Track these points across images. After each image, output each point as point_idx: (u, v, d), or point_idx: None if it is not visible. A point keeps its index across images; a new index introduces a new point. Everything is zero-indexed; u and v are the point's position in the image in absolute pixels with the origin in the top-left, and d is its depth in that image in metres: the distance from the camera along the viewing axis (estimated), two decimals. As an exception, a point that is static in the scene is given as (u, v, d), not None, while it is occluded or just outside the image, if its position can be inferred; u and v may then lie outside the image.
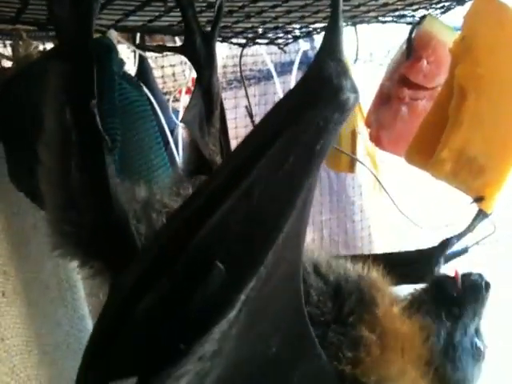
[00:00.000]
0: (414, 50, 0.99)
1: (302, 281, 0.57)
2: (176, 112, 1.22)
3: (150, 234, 0.64)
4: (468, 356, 0.68)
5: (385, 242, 2.55)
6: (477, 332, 0.70)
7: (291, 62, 1.61)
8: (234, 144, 0.89)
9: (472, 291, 0.70)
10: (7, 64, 0.92)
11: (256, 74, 1.98)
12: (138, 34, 1.09)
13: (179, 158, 0.95)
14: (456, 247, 0.95)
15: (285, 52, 1.26)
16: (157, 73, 1.59)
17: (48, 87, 0.61)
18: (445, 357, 0.67)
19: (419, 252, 0.88)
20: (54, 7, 0.59)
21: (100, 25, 0.88)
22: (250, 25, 0.98)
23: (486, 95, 0.81)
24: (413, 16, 1.02)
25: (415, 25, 0.99)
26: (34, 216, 0.93)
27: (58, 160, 0.61)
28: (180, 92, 1.38)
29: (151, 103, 0.98)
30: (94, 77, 0.59)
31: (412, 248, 0.92)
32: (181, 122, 0.90)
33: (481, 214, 0.85)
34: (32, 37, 0.92)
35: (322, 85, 0.50)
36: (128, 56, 1.14)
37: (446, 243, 0.86)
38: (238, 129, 1.60)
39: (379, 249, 2.54)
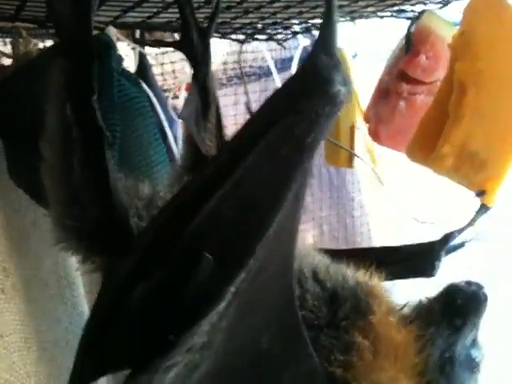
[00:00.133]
0: (412, 44, 0.99)
1: (294, 276, 0.57)
2: (175, 109, 1.22)
3: None
4: (463, 369, 0.67)
5: (384, 238, 2.56)
6: (474, 343, 0.69)
7: (291, 58, 1.61)
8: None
9: (473, 303, 0.69)
10: (7, 62, 0.92)
11: (256, 71, 1.98)
12: (138, 31, 1.09)
13: (178, 154, 0.95)
14: (453, 241, 0.96)
15: (284, 48, 1.26)
16: (156, 70, 1.59)
17: (49, 84, 0.62)
18: (439, 369, 0.66)
19: (420, 246, 0.87)
20: (53, 4, 0.60)
21: (99, 21, 0.88)
22: (248, 20, 0.98)
23: (486, 90, 0.81)
24: (411, 11, 1.02)
25: (414, 20, 0.99)
26: (33, 213, 0.93)
27: (60, 156, 0.62)
28: (179, 89, 1.38)
29: (150, 100, 0.98)
30: (95, 73, 0.59)
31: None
32: (179, 117, 0.90)
33: (483, 208, 0.85)
34: (32, 34, 0.92)
35: (313, 78, 0.51)
36: (127, 53, 1.14)
37: (447, 237, 0.85)
38: (238, 125, 1.60)
39: (379, 244, 2.55)
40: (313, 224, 2.51)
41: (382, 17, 1.04)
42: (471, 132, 0.82)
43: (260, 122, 0.52)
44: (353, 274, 0.70)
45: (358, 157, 1.24)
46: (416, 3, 1.00)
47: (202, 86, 0.83)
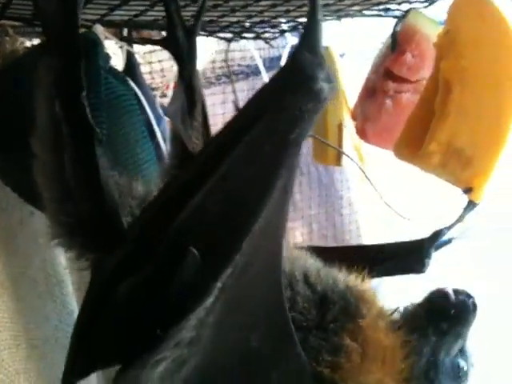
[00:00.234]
0: (398, 43, 1.00)
1: (282, 274, 0.57)
2: (163, 107, 1.22)
3: None
4: (448, 377, 0.68)
5: (373, 236, 2.57)
6: (461, 352, 0.70)
7: (280, 57, 1.62)
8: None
9: (461, 312, 0.69)
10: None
11: (244, 69, 1.99)
12: (126, 30, 1.09)
13: (166, 152, 0.95)
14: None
15: (272, 46, 1.27)
16: (145, 68, 1.59)
17: (37, 82, 0.62)
18: (424, 376, 0.67)
19: (410, 243, 0.88)
20: (39, 1, 0.60)
21: (85, 20, 0.88)
22: (235, 19, 0.99)
23: (471, 88, 0.82)
24: (397, 10, 1.03)
25: (400, 18, 1.00)
26: (20, 211, 0.93)
27: (51, 153, 0.62)
28: (168, 87, 1.38)
29: (138, 98, 0.98)
30: (83, 70, 0.60)
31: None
32: (165, 115, 0.90)
33: (470, 205, 0.86)
34: (18, 33, 0.92)
35: (297, 75, 0.52)
36: (115, 52, 1.14)
37: (436, 234, 0.87)
38: (226, 124, 1.61)
39: (368, 242, 2.57)
40: (302, 222, 2.52)
41: (367, 15, 1.05)
42: (457, 129, 0.83)
43: (245, 118, 0.53)
44: (344, 278, 0.72)
45: (345, 155, 1.25)
46: (402, 2, 1.01)
47: (188, 84, 0.84)
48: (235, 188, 0.51)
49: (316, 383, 0.61)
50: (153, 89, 1.51)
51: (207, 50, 1.80)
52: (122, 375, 0.49)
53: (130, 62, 1.15)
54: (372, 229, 2.54)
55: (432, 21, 1.00)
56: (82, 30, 0.82)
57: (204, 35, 1.11)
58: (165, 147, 0.97)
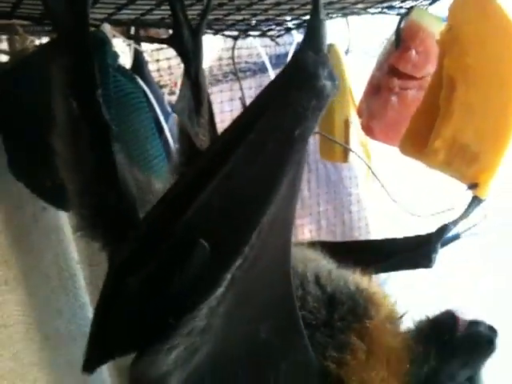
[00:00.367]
0: (402, 40, 1.01)
1: (291, 268, 0.59)
2: (171, 104, 1.24)
3: None
4: None
5: (382, 233, 2.57)
6: (470, 381, 0.69)
7: (286, 54, 1.62)
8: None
9: (471, 342, 0.69)
10: (4, 58, 0.94)
11: (251, 67, 2.00)
12: (133, 28, 1.11)
13: (174, 149, 0.97)
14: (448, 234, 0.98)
15: (277, 44, 1.28)
16: (152, 66, 1.61)
17: (52, 81, 0.64)
18: None
19: (417, 238, 0.90)
20: (49, 1, 0.62)
21: (93, 19, 0.90)
22: (241, 17, 1.00)
23: (475, 84, 0.82)
24: (401, 7, 1.04)
25: (403, 16, 1.01)
26: (33, 206, 0.96)
27: (71, 150, 0.64)
28: (175, 85, 1.40)
29: (146, 95, 1.00)
30: (95, 67, 0.62)
31: (409, 237, 0.94)
32: (173, 112, 0.92)
33: (476, 200, 0.86)
34: (28, 31, 0.94)
35: (300, 73, 0.53)
36: (123, 50, 1.16)
37: (442, 229, 0.88)
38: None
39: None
40: (310, 219, 2.53)
41: (371, 13, 1.06)
42: (462, 126, 0.84)
43: (250, 115, 0.54)
44: (355, 280, 0.73)
45: (352, 151, 1.26)
46: (405, -1, 1.02)
47: (194, 82, 0.85)
48: (243, 183, 0.52)
49: (322, 377, 0.63)
50: (161, 86, 1.53)
51: (214, 47, 1.82)
52: (137, 362, 0.51)
53: (138, 60, 1.16)
54: (381, 225, 2.54)
55: (436, 17, 1.00)
56: (91, 29, 0.84)
57: (210, 33, 1.12)
58: (173, 144, 0.98)
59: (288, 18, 1.08)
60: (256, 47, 1.60)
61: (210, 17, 0.97)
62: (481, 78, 0.82)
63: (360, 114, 1.14)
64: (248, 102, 1.40)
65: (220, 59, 1.93)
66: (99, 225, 0.66)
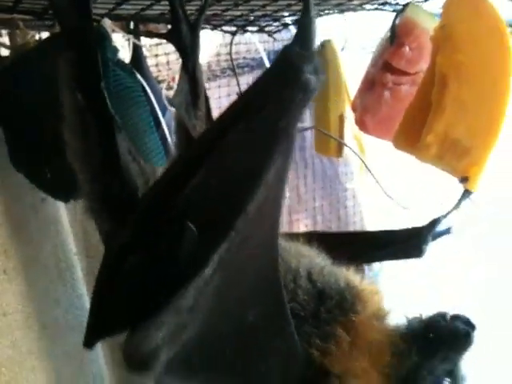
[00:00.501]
0: (397, 36, 1.02)
1: (279, 254, 0.62)
2: (169, 99, 1.25)
3: None
4: None
5: (377, 227, 2.59)
6: (450, 374, 0.72)
7: (284, 50, 1.63)
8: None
9: (449, 336, 0.71)
10: (4, 52, 0.96)
11: (249, 62, 2.01)
12: (132, 23, 1.12)
13: (171, 142, 0.99)
14: (441, 227, 1.00)
15: (275, 39, 1.29)
16: (151, 61, 1.62)
17: (59, 74, 0.66)
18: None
19: (409, 230, 0.93)
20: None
21: (94, 14, 0.91)
22: (239, 13, 1.02)
23: (467, 80, 0.84)
24: (397, 4, 1.05)
25: (398, 12, 1.03)
26: (33, 198, 0.97)
27: (78, 140, 0.67)
28: (173, 80, 1.41)
29: (145, 89, 1.01)
30: (99, 61, 0.64)
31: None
32: (171, 106, 0.94)
33: (466, 193, 0.89)
34: (29, 26, 0.95)
35: (285, 67, 0.56)
36: (122, 45, 1.17)
37: (433, 222, 0.91)
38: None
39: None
40: (306, 214, 2.56)
41: (367, 9, 1.07)
42: (453, 121, 0.86)
43: (239, 106, 0.57)
44: (346, 278, 0.77)
45: (347, 146, 1.27)
46: (401, -4, 1.03)
47: (192, 76, 0.88)
48: (231, 170, 0.55)
49: (306, 363, 0.67)
50: (159, 81, 1.54)
51: (212, 43, 1.83)
52: (130, 336, 0.53)
53: (137, 55, 1.18)
54: (376, 220, 2.56)
55: (430, 14, 1.02)
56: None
57: (208, 28, 1.14)
58: (170, 137, 1.00)
59: (285, 13, 1.10)
60: (254, 43, 1.61)
61: (209, 12, 0.98)
62: (472, 75, 0.84)
63: (354, 108, 1.15)
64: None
65: (218, 55, 1.94)
66: (105, 209, 0.69)
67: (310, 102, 0.56)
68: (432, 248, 0.94)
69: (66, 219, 1.10)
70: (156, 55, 1.67)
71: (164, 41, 1.33)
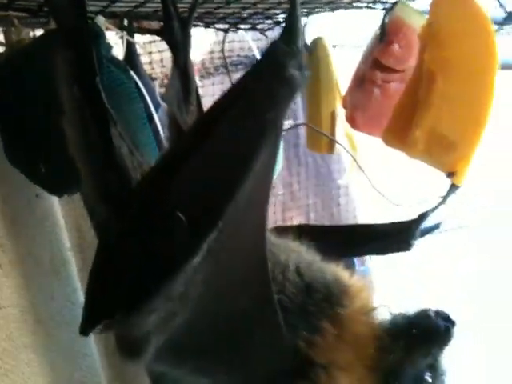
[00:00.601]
0: (386, 34, 1.04)
1: (267, 246, 0.64)
2: (162, 95, 1.26)
3: None
4: None
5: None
6: (431, 368, 0.74)
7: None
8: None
9: (429, 331, 0.73)
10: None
11: (243, 60, 2.03)
12: (126, 21, 1.13)
13: (164, 137, 1.00)
14: (430, 223, 1.02)
15: (267, 37, 1.31)
16: (145, 59, 1.63)
17: (54, 70, 0.68)
18: (386, 378, 0.72)
19: (397, 224, 0.95)
20: None
21: (88, 11, 0.92)
22: (231, 10, 1.03)
23: (453, 77, 0.86)
24: (386, 2, 1.07)
25: (388, 10, 1.04)
26: (28, 192, 0.98)
27: (77, 132, 0.68)
28: (167, 77, 1.42)
29: (138, 86, 1.03)
30: (94, 56, 0.65)
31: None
32: (161, 99, 0.96)
33: (453, 188, 0.91)
34: (23, 23, 0.96)
35: (270, 63, 0.59)
36: (116, 42, 1.18)
37: (421, 216, 0.93)
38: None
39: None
40: (299, 211, 2.58)
41: (357, 7, 1.09)
42: (440, 117, 0.87)
43: (228, 99, 0.59)
44: (334, 273, 0.79)
45: (337, 143, 1.29)
46: (390, -6, 1.05)
47: (183, 71, 0.89)
48: (219, 160, 0.57)
49: (292, 353, 0.69)
50: (153, 78, 1.56)
51: (206, 41, 1.84)
52: (122, 324, 0.55)
53: (131, 52, 1.19)
54: (369, 217, 2.58)
55: (419, 12, 1.04)
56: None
57: (201, 26, 1.15)
58: (163, 132, 1.02)
59: (277, 11, 1.11)
60: (247, 41, 1.63)
61: (201, 10, 1.00)
62: (459, 72, 0.86)
63: (345, 105, 1.17)
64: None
65: (212, 52, 1.96)
66: (100, 201, 0.69)
67: (296, 97, 0.58)
68: (422, 242, 0.96)
69: (61, 215, 1.11)
70: (150, 53, 1.69)
71: (158, 38, 1.35)
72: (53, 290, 1.07)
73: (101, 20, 0.92)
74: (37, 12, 0.90)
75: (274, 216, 2.41)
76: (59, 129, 0.71)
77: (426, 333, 0.73)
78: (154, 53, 1.70)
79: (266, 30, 1.25)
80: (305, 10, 1.20)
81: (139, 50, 1.36)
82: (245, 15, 1.10)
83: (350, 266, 1.04)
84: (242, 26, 1.22)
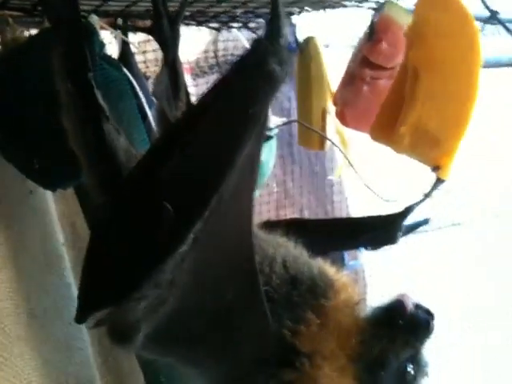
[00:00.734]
0: (375, 33, 1.06)
1: (253, 237, 0.67)
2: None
3: None
4: (392, 376, 0.75)
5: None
6: (413, 359, 0.75)
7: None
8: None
9: (410, 325, 0.75)
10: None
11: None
12: (120, 20, 1.15)
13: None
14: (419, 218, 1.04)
15: (258, 35, 1.32)
16: (139, 58, 1.64)
17: (49, 67, 0.70)
18: (368, 367, 0.74)
19: (384, 217, 0.96)
20: None
21: (82, 10, 0.94)
22: (222, 9, 1.05)
23: (437, 75, 0.88)
24: (375, 1, 1.09)
25: (377, 9, 1.06)
26: (22, 187, 1.00)
27: (76, 126, 0.71)
28: (161, 75, 1.43)
29: (131, 84, 1.04)
30: (87, 52, 0.68)
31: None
32: (151, 95, 0.98)
33: (438, 182, 0.93)
34: (18, 22, 0.98)
35: (252, 58, 0.61)
36: (110, 41, 1.20)
37: (407, 210, 0.95)
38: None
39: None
40: (293, 209, 2.59)
41: (347, 6, 1.11)
42: (425, 113, 0.89)
43: (212, 94, 0.62)
44: (320, 268, 0.81)
45: (328, 139, 1.31)
46: (379, -6, 1.07)
47: (172, 68, 0.91)
48: (205, 152, 0.59)
49: (277, 342, 0.71)
50: (147, 77, 1.57)
51: (200, 40, 1.86)
52: (112, 311, 0.57)
53: (124, 51, 1.21)
54: (362, 215, 2.60)
55: (406, 11, 1.06)
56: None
57: (194, 25, 1.17)
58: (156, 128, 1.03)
59: (267, 10, 1.13)
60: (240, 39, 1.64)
61: (193, 9, 1.01)
62: (442, 70, 0.88)
63: (335, 102, 1.19)
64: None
65: (206, 52, 1.97)
66: (95, 191, 0.73)
67: (277, 92, 0.60)
68: (415, 239, 0.98)
69: (54, 211, 1.12)
70: (144, 52, 1.70)
71: (152, 38, 1.36)
72: (47, 285, 1.08)
73: (94, 19, 0.93)
74: (31, 11, 0.92)
75: (269, 214, 2.43)
76: (53, 124, 0.73)
77: (404, 324, 0.75)
78: (148, 52, 1.71)
79: (258, 28, 1.27)
80: (296, 9, 1.22)
81: (134, 49, 1.37)
82: (236, 14, 1.12)
83: (340, 261, 1.06)
84: (233, 25, 1.23)
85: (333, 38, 1.43)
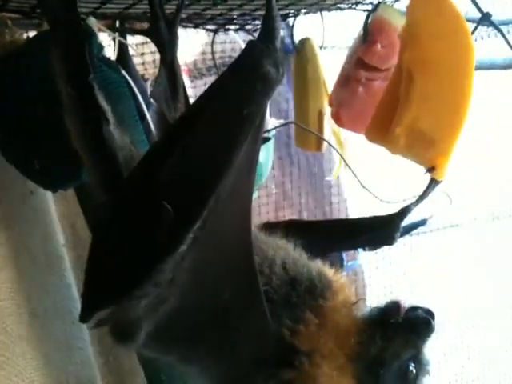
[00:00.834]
0: (369, 34, 1.07)
1: (252, 236, 0.68)
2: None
3: None
4: (394, 376, 0.76)
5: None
6: (414, 359, 0.76)
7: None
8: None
9: (411, 324, 0.76)
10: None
11: (235, 61, 2.05)
12: (118, 22, 1.16)
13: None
14: (416, 218, 1.05)
15: (254, 37, 1.33)
16: (137, 60, 1.65)
17: (50, 68, 0.71)
18: (368, 367, 0.75)
19: (381, 218, 0.97)
20: None
21: (80, 12, 0.95)
22: (218, 12, 1.06)
23: (431, 76, 0.89)
24: (369, 3, 1.10)
25: (371, 11, 1.08)
26: (23, 188, 1.01)
27: (77, 127, 0.72)
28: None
29: (130, 85, 1.06)
30: (87, 55, 0.69)
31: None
32: (150, 97, 0.99)
33: (433, 183, 0.94)
34: (16, 24, 0.99)
35: (247, 60, 0.62)
36: (109, 43, 1.21)
37: (404, 210, 0.95)
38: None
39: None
40: (292, 210, 2.60)
41: (341, 9, 1.12)
42: (419, 114, 0.90)
43: (208, 96, 0.63)
44: (319, 269, 0.82)
45: (325, 140, 1.32)
46: (373, -4, 1.08)
47: (170, 70, 0.93)
48: (202, 154, 0.60)
49: (276, 341, 0.72)
50: (145, 79, 1.58)
51: (198, 42, 1.87)
52: (114, 310, 0.58)
53: (123, 53, 1.22)
54: (361, 216, 2.60)
55: (400, 13, 1.07)
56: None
57: (191, 27, 1.18)
58: (154, 130, 1.04)
59: (263, 12, 1.14)
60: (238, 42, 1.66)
61: (189, 11, 1.03)
62: (436, 71, 0.89)
63: (331, 103, 1.20)
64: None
65: (204, 53, 1.98)
66: (98, 191, 0.74)
67: (272, 94, 0.62)
68: (414, 240, 0.99)
69: (55, 212, 1.13)
70: (142, 54, 1.71)
71: (140, 36, 1.37)
72: (47, 285, 1.10)
73: (92, 21, 0.95)
74: (30, 13, 0.93)
75: (268, 215, 2.43)
76: (54, 125, 0.75)
77: (402, 324, 0.77)
78: (146, 54, 1.72)
79: (254, 30, 1.28)
80: (292, 11, 1.24)
81: (132, 51, 1.38)
82: (233, 16, 1.13)
83: (339, 261, 1.07)
84: (230, 27, 1.25)
85: (329, 39, 1.44)
